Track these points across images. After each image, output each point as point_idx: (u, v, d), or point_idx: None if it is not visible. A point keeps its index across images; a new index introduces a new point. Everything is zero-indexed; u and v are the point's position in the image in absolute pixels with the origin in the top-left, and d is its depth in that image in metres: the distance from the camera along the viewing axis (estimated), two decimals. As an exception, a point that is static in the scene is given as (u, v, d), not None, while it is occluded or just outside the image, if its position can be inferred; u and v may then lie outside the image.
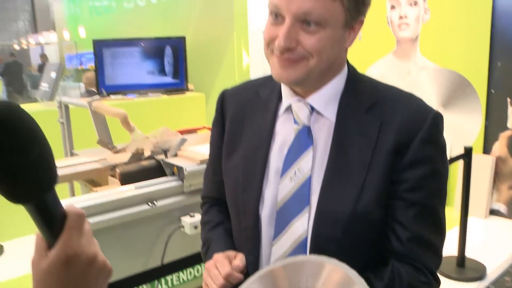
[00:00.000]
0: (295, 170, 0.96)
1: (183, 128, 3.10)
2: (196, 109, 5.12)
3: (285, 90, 1.03)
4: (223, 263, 0.98)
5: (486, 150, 3.36)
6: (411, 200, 0.93)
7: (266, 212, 0.99)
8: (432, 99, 3.42)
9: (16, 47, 15.18)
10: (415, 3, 3.55)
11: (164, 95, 5.06)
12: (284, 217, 0.97)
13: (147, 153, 2.67)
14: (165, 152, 2.64)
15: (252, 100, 1.08)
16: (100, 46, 4.96)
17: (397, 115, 0.94)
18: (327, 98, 0.97)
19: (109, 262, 0.58)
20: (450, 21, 3.41)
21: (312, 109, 0.98)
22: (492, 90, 3.26)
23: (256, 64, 5.27)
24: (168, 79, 5.14)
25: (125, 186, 2.37)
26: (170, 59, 5.10)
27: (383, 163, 0.92)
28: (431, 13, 3.49)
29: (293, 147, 0.98)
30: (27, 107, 5.45)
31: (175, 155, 2.65)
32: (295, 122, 0.99)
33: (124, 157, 2.68)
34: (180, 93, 5.12)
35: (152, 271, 1.83)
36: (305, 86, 0.97)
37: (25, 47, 15.36)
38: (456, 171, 3.33)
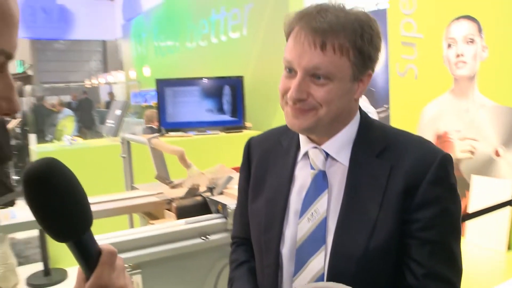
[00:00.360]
0: (312, 212, 1.04)
1: (239, 165, 3.19)
2: (254, 146, 5.22)
3: (302, 138, 1.12)
4: None
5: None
6: (424, 239, 0.98)
7: (286, 250, 1.08)
8: (491, 138, 3.34)
9: (88, 85, 16.14)
10: (472, 41, 3.52)
11: (222, 132, 5.22)
12: (303, 255, 1.04)
13: (202, 189, 2.76)
14: (211, 189, 2.70)
15: (274, 147, 1.18)
16: (162, 85, 5.22)
17: (406, 158, 1.01)
18: (340, 144, 1.06)
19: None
20: (508, 58, 3.35)
21: (327, 155, 1.07)
22: (556, 129, 3.14)
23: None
24: (227, 117, 5.31)
25: (181, 220, 2.47)
26: (229, 98, 5.27)
27: (393, 204, 0.98)
28: (488, 50, 3.44)
29: (310, 191, 1.07)
30: (94, 142, 5.78)
31: (221, 193, 2.70)
32: (312, 167, 1.08)
33: (181, 192, 2.79)
34: (238, 130, 5.25)
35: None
36: (316, 134, 1.06)
37: (95, 85, 16.31)
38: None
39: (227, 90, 5.28)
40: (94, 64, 19.97)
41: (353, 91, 1.02)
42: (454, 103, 3.72)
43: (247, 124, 5.39)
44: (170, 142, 3.23)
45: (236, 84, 5.26)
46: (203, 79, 5.39)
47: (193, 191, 2.76)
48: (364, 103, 3.33)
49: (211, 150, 4.85)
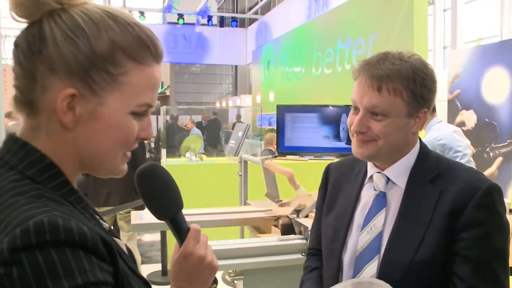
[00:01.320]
0: (372, 226, 1.22)
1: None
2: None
3: (369, 165, 1.30)
4: None
5: None
6: (467, 257, 1.10)
7: (347, 257, 1.26)
8: None
9: (218, 107, 17.19)
10: None
11: (337, 158, 5.33)
12: (361, 262, 1.22)
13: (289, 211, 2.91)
14: (297, 212, 2.79)
15: (347, 172, 1.38)
16: (282, 111, 5.50)
17: (455, 185, 1.15)
18: (400, 171, 1.23)
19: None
20: None
21: (388, 179, 1.24)
22: None
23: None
24: (342, 144, 5.40)
25: (284, 236, 2.65)
26: (345, 126, 5.37)
27: (440, 224, 1.12)
28: None
29: (372, 208, 1.24)
30: (216, 159, 6.24)
31: (307, 216, 2.75)
32: (374, 189, 1.26)
33: (288, 210, 2.98)
34: (353, 157, 5.33)
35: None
36: (377, 161, 1.24)
37: (225, 107, 17.32)
38: None
39: (344, 118, 5.39)
40: (225, 87, 21.20)
41: (410, 126, 1.19)
42: None
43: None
44: (284, 164, 3.43)
45: (353, 113, 5.35)
46: (323, 106, 5.57)
47: (299, 211, 2.93)
48: (457, 136, 3.40)
49: (324, 175, 4.97)
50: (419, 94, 1.15)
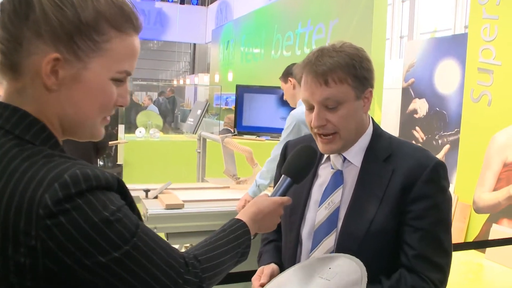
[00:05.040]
0: (329, 202, 1.31)
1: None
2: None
3: None
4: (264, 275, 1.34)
5: None
6: (416, 226, 1.22)
7: (306, 231, 1.35)
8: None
9: (175, 85, 16.98)
10: (551, 73, 3.48)
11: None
12: (319, 235, 1.31)
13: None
14: (146, 192, 2.81)
15: None
16: (241, 91, 5.54)
17: (406, 163, 1.26)
18: (356, 151, 1.33)
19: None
20: None
21: (345, 158, 1.34)
22: None
23: (388, 119, 5.43)
24: (299, 126, 5.52)
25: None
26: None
27: (392, 198, 1.23)
28: None
29: (329, 185, 1.34)
30: (174, 137, 6.23)
31: (156, 197, 2.81)
32: (332, 167, 1.36)
33: (245, 187, 3.05)
34: (308, 139, 5.43)
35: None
36: (344, 151, 1.33)
37: (182, 85, 17.14)
38: None
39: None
40: (183, 65, 20.94)
41: (361, 108, 1.29)
42: (525, 133, 3.69)
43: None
44: (242, 143, 3.49)
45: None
46: (280, 88, 5.64)
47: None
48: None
49: (281, 156, 5.06)
50: (361, 76, 1.25)
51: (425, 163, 1.25)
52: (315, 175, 1.38)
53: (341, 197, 1.30)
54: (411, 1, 7.39)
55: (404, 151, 1.30)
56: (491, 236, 3.87)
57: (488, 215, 3.96)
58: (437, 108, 4.63)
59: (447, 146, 4.50)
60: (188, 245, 2.72)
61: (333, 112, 1.25)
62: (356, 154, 1.32)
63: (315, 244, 1.31)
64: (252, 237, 1.03)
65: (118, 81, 0.84)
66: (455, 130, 4.39)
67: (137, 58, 0.89)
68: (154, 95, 13.60)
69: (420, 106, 4.81)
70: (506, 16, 3.85)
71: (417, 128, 4.89)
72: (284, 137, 2.88)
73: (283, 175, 1.22)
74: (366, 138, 1.33)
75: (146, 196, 2.82)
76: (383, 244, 1.24)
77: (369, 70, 1.28)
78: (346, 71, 1.23)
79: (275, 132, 5.49)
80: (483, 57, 3.98)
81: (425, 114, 4.79)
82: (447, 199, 1.27)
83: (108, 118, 0.88)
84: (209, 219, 2.67)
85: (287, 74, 3.12)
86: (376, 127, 1.36)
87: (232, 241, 0.97)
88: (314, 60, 1.25)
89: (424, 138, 4.82)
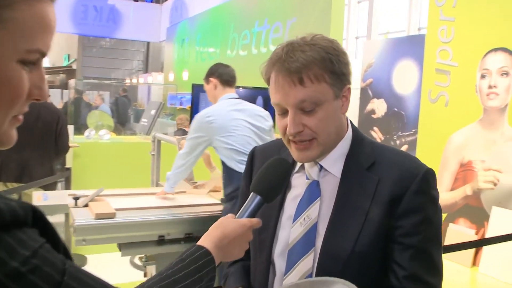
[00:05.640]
0: (305, 217, 1.14)
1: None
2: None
3: None
4: None
5: None
6: (406, 244, 1.08)
7: (278, 250, 1.18)
8: (517, 172, 3.32)
9: (128, 84, 16.56)
10: (507, 74, 3.51)
11: (251, 140, 5.31)
12: (293, 256, 1.14)
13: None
14: (75, 199, 2.60)
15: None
16: (197, 90, 5.37)
17: (392, 172, 1.11)
18: (334, 158, 1.16)
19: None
20: (542, 94, 3.34)
21: (321, 166, 1.17)
22: None
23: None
24: (256, 126, 5.41)
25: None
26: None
27: (379, 212, 1.08)
28: (522, 85, 3.43)
29: (304, 198, 1.16)
30: (126, 138, 5.99)
31: (86, 205, 2.58)
32: (307, 177, 1.18)
33: (203, 192, 2.91)
34: (267, 140, 5.34)
35: None
36: (321, 158, 1.17)
37: (135, 84, 16.73)
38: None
39: (259, 100, 5.39)
40: (136, 64, 20.48)
41: (339, 108, 1.13)
42: (481, 133, 3.72)
43: (277, 136, 5.47)
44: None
45: (269, 96, 5.34)
46: (239, 88, 5.51)
47: (214, 192, 2.86)
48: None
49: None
50: (339, 72, 1.10)
51: (414, 172, 1.10)
52: (287, 186, 1.22)
53: (319, 212, 1.14)
54: (369, 2, 7.44)
55: (389, 158, 1.15)
56: (448, 235, 3.89)
57: (446, 214, 3.98)
58: (395, 109, 4.64)
59: (405, 147, 4.51)
60: (142, 255, 2.55)
61: (310, 115, 1.08)
62: (334, 162, 1.16)
63: (290, 265, 1.14)
64: (216, 267, 0.88)
65: (29, 63, 0.63)
66: (413, 130, 4.40)
67: (53, 34, 0.67)
68: (106, 95, 13.18)
69: (378, 106, 4.80)
70: (463, 18, 3.88)
71: (375, 128, 4.88)
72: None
73: (252, 193, 1.07)
74: (345, 144, 1.18)
75: (76, 204, 2.57)
76: (370, 264, 1.10)
77: (347, 64, 1.12)
78: (322, 67, 1.07)
79: (232, 132, 5.37)
80: (441, 58, 4.00)
81: (383, 114, 4.78)
82: (438, 211, 1.14)
83: (21, 117, 0.66)
84: (144, 229, 2.43)
85: (209, 74, 3.03)
86: (355, 131, 1.21)
87: (192, 274, 0.82)
88: (285, 56, 1.07)
89: (382, 139, 4.82)
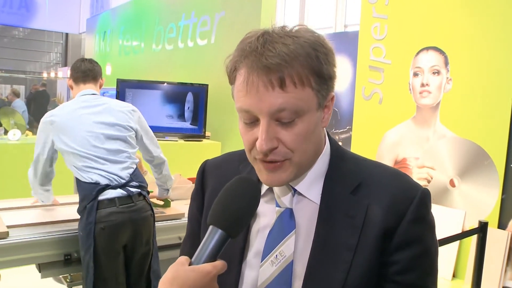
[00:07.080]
0: (277, 254, 0.91)
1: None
2: (211, 157, 5.14)
3: None
4: None
5: (502, 225, 3.27)
6: (403, 283, 0.88)
7: None
8: (449, 168, 3.38)
9: (45, 77, 15.63)
10: (438, 72, 3.57)
11: (181, 140, 5.10)
12: None
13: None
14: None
15: (233, 176, 0.94)
16: (123, 86, 5.07)
17: (384, 196, 0.90)
18: (311, 180, 0.93)
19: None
20: (471, 92, 3.41)
21: (295, 190, 0.94)
22: (511, 165, 3.21)
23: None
24: (187, 125, 5.20)
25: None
26: (191, 105, 5.17)
27: (370, 246, 0.87)
28: (453, 83, 3.49)
29: (275, 230, 0.93)
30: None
31: None
32: (277, 204, 0.95)
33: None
34: (197, 139, 5.15)
35: None
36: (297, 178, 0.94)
37: (53, 78, 15.81)
38: (469, 244, 3.24)
39: (190, 97, 5.17)
40: (53, 56, 19.40)
41: (321, 120, 0.90)
42: (415, 130, 3.76)
43: (207, 133, 5.30)
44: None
45: (200, 92, 5.16)
46: (166, 83, 5.26)
47: (146, 200, 2.65)
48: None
49: (168, 158, 4.72)
50: (326, 74, 0.86)
51: (410, 194, 0.90)
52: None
53: (295, 248, 0.90)
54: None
55: (378, 177, 0.93)
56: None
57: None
58: (329, 106, 4.63)
59: (339, 144, 4.51)
60: (66, 275, 2.29)
61: (288, 128, 0.85)
62: (311, 184, 0.93)
63: None
64: None
65: None
66: (347, 127, 4.40)
67: None
68: (21, 88, 12.32)
69: (312, 104, 4.78)
70: (395, 16, 3.92)
71: (308, 125, 4.86)
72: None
73: (211, 226, 0.83)
74: (323, 162, 0.94)
75: None
76: None
77: (335, 66, 0.89)
78: (308, 67, 0.83)
79: (161, 131, 5.12)
80: (374, 55, 4.00)
81: (317, 111, 4.76)
82: (435, 238, 0.93)
83: None
84: (45, 248, 2.10)
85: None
86: (334, 144, 0.98)
87: None
88: (261, 49, 0.82)
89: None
